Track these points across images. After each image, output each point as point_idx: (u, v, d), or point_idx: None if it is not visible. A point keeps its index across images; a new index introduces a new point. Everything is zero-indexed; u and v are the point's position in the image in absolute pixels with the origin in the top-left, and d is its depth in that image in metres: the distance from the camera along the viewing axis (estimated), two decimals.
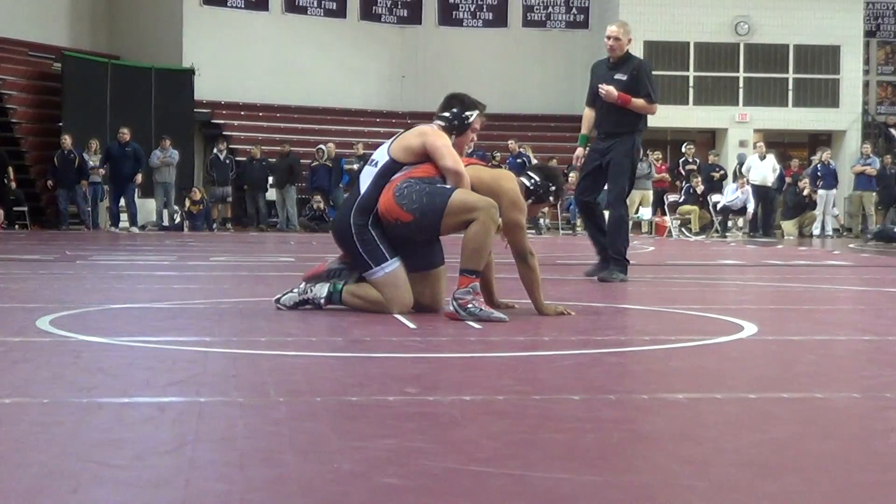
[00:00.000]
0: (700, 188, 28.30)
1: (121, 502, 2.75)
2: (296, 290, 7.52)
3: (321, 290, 7.45)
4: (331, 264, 7.65)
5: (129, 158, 26.63)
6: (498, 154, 29.80)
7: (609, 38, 11.08)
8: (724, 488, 2.98)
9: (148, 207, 28.47)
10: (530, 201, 7.52)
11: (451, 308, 6.99)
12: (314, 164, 29.36)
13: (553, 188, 7.60)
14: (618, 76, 10.97)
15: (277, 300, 7.52)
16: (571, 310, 7.39)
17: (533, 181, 7.54)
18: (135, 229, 26.36)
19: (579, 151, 11.32)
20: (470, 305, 6.93)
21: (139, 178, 26.73)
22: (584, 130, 11.36)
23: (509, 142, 29.53)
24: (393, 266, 7.31)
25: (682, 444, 3.57)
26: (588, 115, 11.24)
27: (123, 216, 27.24)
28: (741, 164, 29.11)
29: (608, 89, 10.88)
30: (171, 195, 28.24)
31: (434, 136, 7.39)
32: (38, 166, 28.34)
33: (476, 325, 6.68)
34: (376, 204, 7.31)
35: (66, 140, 26.57)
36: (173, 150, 28.21)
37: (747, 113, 33.46)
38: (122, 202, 27.09)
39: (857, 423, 4.04)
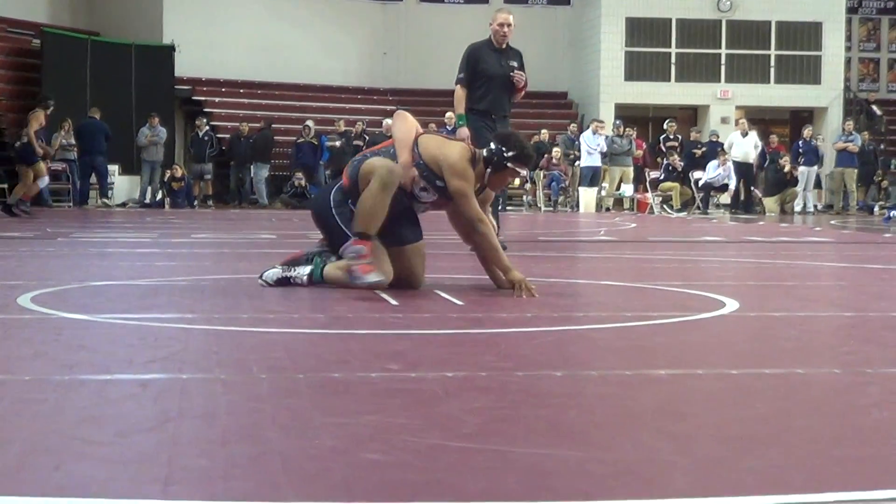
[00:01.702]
0: (679, 165, 28.29)
1: (103, 479, 2.75)
2: (279, 267, 7.54)
3: (303, 270, 7.47)
4: (308, 249, 7.66)
5: (101, 135, 26.66)
6: None
7: (505, 25, 11.61)
8: (706, 463, 2.99)
9: (126, 185, 28.38)
10: (488, 171, 7.34)
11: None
12: (299, 140, 29.27)
13: (510, 154, 7.27)
14: (512, 62, 11.59)
15: (260, 276, 7.53)
16: (536, 291, 7.04)
17: (488, 149, 7.34)
18: (106, 201, 26.45)
19: (466, 132, 11.12)
20: (350, 272, 7.01)
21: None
22: (463, 110, 11.51)
23: (447, 114, 29.10)
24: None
25: (664, 419, 3.58)
26: (462, 95, 11.51)
27: (93, 193, 27.27)
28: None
29: (522, 76, 11.54)
30: (156, 173, 28.20)
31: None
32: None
33: (458, 302, 6.68)
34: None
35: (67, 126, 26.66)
36: (161, 128, 28.15)
37: (729, 90, 33.44)
38: (93, 178, 27.09)
39: (838, 398, 4.05)
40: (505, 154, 7.27)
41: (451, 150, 7.33)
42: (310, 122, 29.61)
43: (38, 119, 20.53)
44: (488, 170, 7.33)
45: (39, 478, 2.75)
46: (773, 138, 31.27)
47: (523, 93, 11.80)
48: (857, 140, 29.65)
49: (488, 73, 11.47)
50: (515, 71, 11.51)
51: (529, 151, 7.46)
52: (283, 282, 7.44)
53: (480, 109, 11.42)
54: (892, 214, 21.98)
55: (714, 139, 29.56)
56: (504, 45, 11.63)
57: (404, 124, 7.52)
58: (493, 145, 7.32)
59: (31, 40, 30.40)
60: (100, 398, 3.78)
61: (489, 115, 11.40)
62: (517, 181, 20.62)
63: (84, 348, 4.96)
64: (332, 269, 7.40)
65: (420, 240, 7.46)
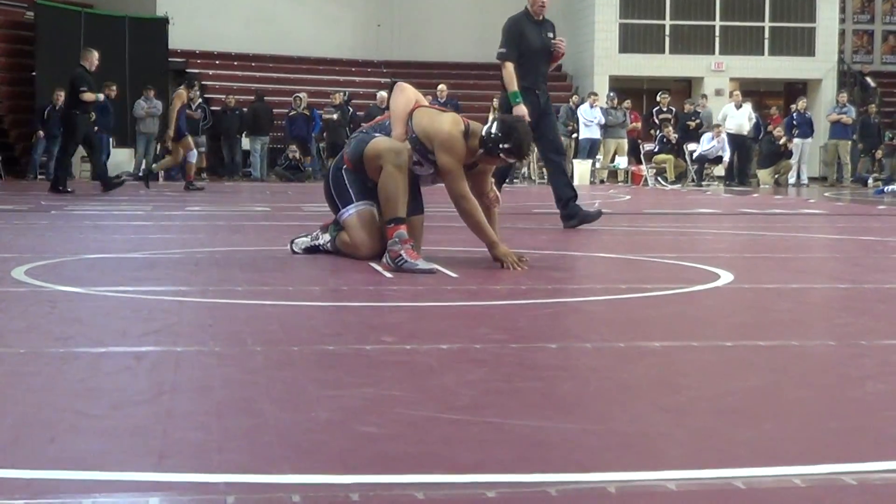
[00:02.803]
0: (673, 137, 28.28)
1: (98, 452, 2.75)
2: (308, 236, 7.85)
3: (326, 236, 7.73)
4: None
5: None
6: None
7: None
8: (700, 436, 2.99)
9: (119, 158, 28.31)
10: (481, 151, 7.25)
11: (385, 260, 7.00)
12: (291, 112, 29.21)
13: (506, 146, 7.14)
14: (549, 33, 11.35)
15: (292, 241, 7.91)
16: (527, 263, 7.08)
17: (488, 132, 7.19)
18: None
19: (524, 109, 10.91)
20: (399, 257, 6.87)
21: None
22: (516, 87, 11.13)
23: (439, 86, 28.96)
24: (357, 208, 7.49)
25: (658, 391, 3.58)
26: (512, 71, 11.17)
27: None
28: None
29: (563, 44, 11.36)
30: (151, 145, 28.16)
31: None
32: (11, 116, 28.15)
33: (452, 275, 6.68)
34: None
35: (60, 95, 26.35)
36: (156, 101, 28.11)
37: (723, 62, 33.40)
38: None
39: (833, 370, 4.05)
40: (501, 145, 7.15)
41: (442, 124, 7.29)
42: (301, 94, 29.53)
43: (182, 98, 20.99)
44: (481, 150, 7.25)
45: (34, 450, 2.75)
46: (774, 110, 31.27)
47: (559, 62, 11.67)
48: (850, 112, 29.64)
49: (532, 46, 11.21)
50: (557, 39, 11.29)
51: (526, 148, 7.30)
52: (312, 249, 7.76)
53: (526, 86, 11.12)
54: (885, 188, 21.98)
55: (699, 109, 29.50)
56: (542, 17, 11.36)
57: (402, 97, 7.50)
58: (493, 130, 7.17)
59: (25, 13, 30.30)
60: (94, 371, 3.78)
61: (533, 90, 11.17)
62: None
63: (78, 321, 4.96)
64: (340, 241, 7.61)
65: (419, 213, 7.47)
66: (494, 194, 7.59)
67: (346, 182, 7.51)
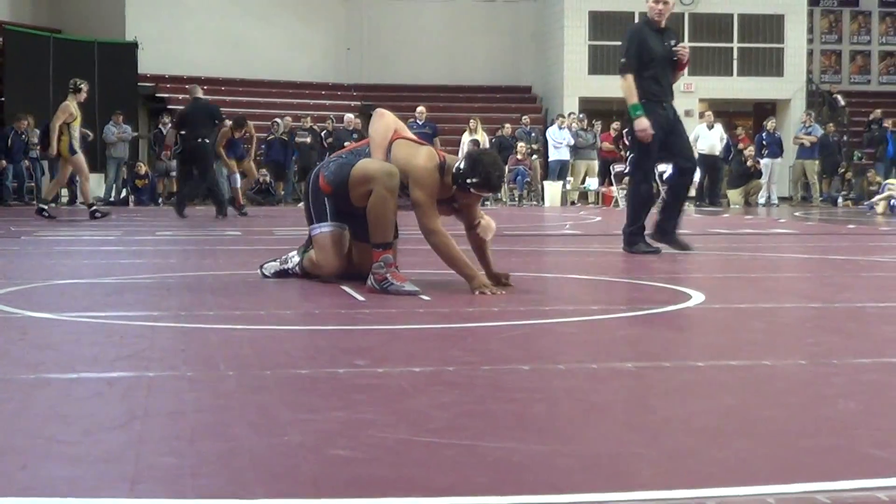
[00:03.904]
0: None
1: (70, 478, 2.74)
2: (277, 260, 7.89)
3: (296, 258, 7.78)
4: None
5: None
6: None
7: (661, 1, 10.80)
8: (673, 456, 2.99)
9: (91, 184, 28.22)
10: (454, 187, 7.18)
11: (369, 283, 7.00)
12: (269, 137, 29.09)
13: (474, 180, 7.08)
14: (672, 42, 10.82)
15: (261, 266, 7.95)
16: (507, 287, 7.14)
17: (457, 168, 7.14)
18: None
19: (646, 122, 10.52)
20: (384, 280, 6.89)
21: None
22: (636, 99, 10.62)
23: (418, 108, 28.80)
24: (326, 229, 7.51)
25: (631, 412, 3.58)
26: (632, 82, 10.68)
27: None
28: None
29: (687, 51, 10.86)
30: (121, 170, 28.11)
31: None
32: None
33: (425, 297, 6.68)
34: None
35: (25, 122, 26.35)
36: (126, 126, 28.06)
37: (692, 82, 33.54)
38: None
39: (804, 389, 4.06)
40: (469, 180, 7.09)
41: (418, 159, 7.22)
42: (279, 119, 29.46)
43: (226, 134, 21.28)
44: (454, 186, 7.19)
45: (5, 477, 2.74)
46: (740, 130, 31.40)
47: (684, 71, 11.16)
48: (815, 131, 29.79)
49: (655, 56, 10.70)
50: (680, 45, 10.78)
51: (494, 181, 7.19)
52: (282, 273, 7.80)
53: (650, 98, 10.64)
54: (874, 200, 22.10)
55: None
56: (663, 24, 10.85)
57: (381, 124, 7.46)
58: (461, 166, 7.13)
59: None
60: (66, 397, 3.77)
61: (660, 102, 10.71)
62: None
63: (49, 347, 4.94)
64: (308, 261, 7.68)
65: (394, 237, 7.46)
66: (486, 222, 7.48)
67: (325, 201, 7.51)
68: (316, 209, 7.56)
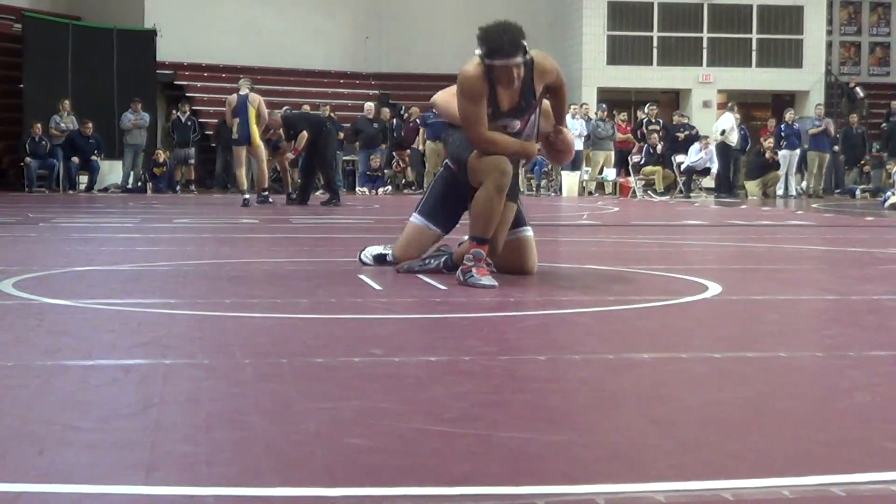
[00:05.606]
0: (659, 146, 28.28)
1: (86, 464, 2.74)
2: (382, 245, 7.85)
3: (437, 259, 7.49)
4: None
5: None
6: None
7: None
8: (689, 447, 2.99)
9: (108, 171, 28.30)
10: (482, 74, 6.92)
11: (457, 274, 6.91)
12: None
13: (482, 52, 6.81)
14: None
15: (361, 251, 7.94)
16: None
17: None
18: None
19: None
20: (469, 272, 6.76)
21: None
22: None
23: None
24: (413, 219, 7.61)
25: (647, 403, 3.58)
26: None
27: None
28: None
29: None
30: (139, 158, 28.13)
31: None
32: None
33: (441, 287, 6.67)
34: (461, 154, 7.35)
35: (38, 128, 26.57)
36: (144, 113, 28.08)
37: (711, 73, 33.46)
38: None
39: (821, 381, 4.06)
40: (482, 57, 6.86)
41: (459, 79, 7.03)
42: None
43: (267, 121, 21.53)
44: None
45: (23, 464, 2.75)
46: (771, 122, 31.31)
47: None
48: (824, 124, 29.66)
49: None
50: None
51: (495, 43, 6.83)
52: (380, 259, 7.75)
53: None
54: (888, 195, 21.93)
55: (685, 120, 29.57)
56: None
57: (443, 95, 7.61)
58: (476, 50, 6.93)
59: (13, 25, 30.24)
60: (83, 384, 3.78)
61: None
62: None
63: (67, 334, 4.95)
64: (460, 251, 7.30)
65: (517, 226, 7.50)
66: (569, 136, 7.61)
67: (432, 187, 7.67)
68: (425, 195, 7.72)
